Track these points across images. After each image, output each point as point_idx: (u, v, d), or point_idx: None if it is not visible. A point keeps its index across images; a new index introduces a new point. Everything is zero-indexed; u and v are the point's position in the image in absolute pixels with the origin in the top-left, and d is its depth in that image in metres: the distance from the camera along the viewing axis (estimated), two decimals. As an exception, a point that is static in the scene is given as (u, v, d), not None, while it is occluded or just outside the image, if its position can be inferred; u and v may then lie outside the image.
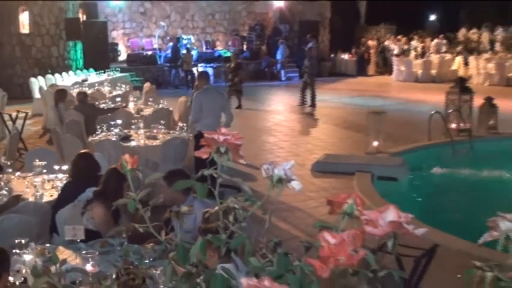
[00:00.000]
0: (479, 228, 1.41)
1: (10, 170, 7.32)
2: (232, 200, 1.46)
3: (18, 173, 7.39)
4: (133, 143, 9.60)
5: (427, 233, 1.24)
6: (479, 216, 1.40)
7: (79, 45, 23.44)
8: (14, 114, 13.10)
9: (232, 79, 18.73)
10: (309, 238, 1.39)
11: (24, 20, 22.07)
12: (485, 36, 31.54)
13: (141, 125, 10.20)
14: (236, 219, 1.46)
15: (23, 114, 13.28)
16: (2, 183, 6.78)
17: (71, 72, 21.18)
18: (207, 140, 1.46)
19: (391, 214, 1.21)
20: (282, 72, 27.79)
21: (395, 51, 30.48)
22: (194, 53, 26.56)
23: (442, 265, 5.50)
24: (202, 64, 26.46)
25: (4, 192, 6.58)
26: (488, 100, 14.48)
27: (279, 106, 20.39)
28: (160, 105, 13.16)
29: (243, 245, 1.42)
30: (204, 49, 28.76)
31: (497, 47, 29.72)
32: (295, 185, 1.45)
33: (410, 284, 5.28)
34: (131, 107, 13.44)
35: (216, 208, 1.48)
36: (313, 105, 19.25)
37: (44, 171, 7.11)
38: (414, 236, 1.25)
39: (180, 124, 10.70)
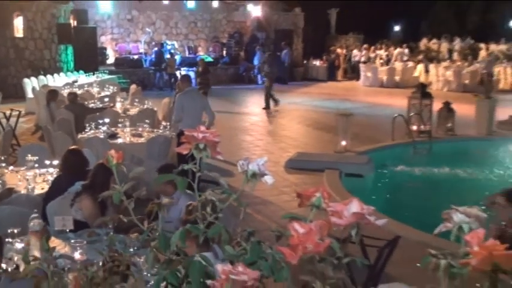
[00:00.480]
0: (436, 220, 1.43)
1: (4, 165, 7.26)
2: (210, 192, 1.46)
3: (11, 167, 7.34)
4: (119, 140, 9.56)
5: (388, 223, 1.26)
6: (437, 209, 1.42)
7: (70, 49, 23.28)
8: (8, 112, 13.00)
9: (200, 82, 18.61)
10: (281, 229, 1.40)
11: (18, 24, 21.87)
12: (444, 46, 31.85)
13: (127, 123, 10.16)
14: (214, 210, 1.46)
15: (17, 113, 13.19)
16: None
17: (62, 74, 21.04)
18: (187, 137, 1.47)
19: (355, 206, 1.22)
20: (259, 76, 27.81)
21: (361, 59, 30.69)
22: (177, 57, 26.54)
23: (403, 254, 5.55)
24: (185, 68, 26.39)
25: None
26: (447, 105, 14.63)
27: (255, 108, 20.37)
28: (145, 106, 13.12)
29: (220, 234, 1.43)
30: (186, 54, 28.68)
31: (455, 56, 30.04)
32: (268, 179, 1.46)
33: (374, 271, 5.33)
34: (118, 107, 13.37)
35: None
36: (276, 103, 19.21)
37: (36, 165, 7.05)
38: (376, 226, 1.26)
39: (163, 123, 10.64)
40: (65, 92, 14.56)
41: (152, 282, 1.54)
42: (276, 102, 19.29)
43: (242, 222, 1.47)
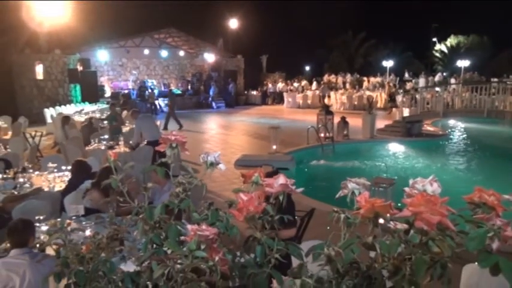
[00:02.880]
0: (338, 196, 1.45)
1: (31, 170, 7.09)
2: (181, 177, 1.45)
3: (36, 172, 7.12)
4: (116, 150, 9.36)
5: (305, 198, 1.27)
6: (338, 188, 1.44)
7: (78, 87, 22.71)
8: (33, 133, 12.59)
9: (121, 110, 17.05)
10: (232, 199, 1.40)
11: (39, 70, 21.32)
12: (340, 79, 32.53)
13: (121, 138, 10.00)
14: (184, 190, 1.45)
15: (40, 133, 12.79)
16: (26, 179, 6.59)
17: (72, 105, 20.64)
18: (163, 139, 1.46)
19: (281, 179, 1.24)
20: (213, 103, 27.88)
21: (277, 90, 30.95)
22: (156, 91, 26.23)
23: (317, 221, 5.62)
24: (161, 98, 26.19)
25: (27, 185, 6.43)
26: (343, 119, 14.96)
27: (212, 125, 20.30)
28: (134, 126, 12.88)
29: (189, 206, 1.42)
30: (162, 88, 28.42)
31: (347, 86, 30.74)
32: (221, 166, 1.46)
33: (297, 235, 5.37)
34: (114, 127, 13.09)
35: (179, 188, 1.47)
36: (180, 126, 17.84)
37: (55, 170, 6.93)
38: (298, 200, 1.28)
39: (147, 138, 10.50)
40: (75, 117, 14.23)
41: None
42: (180, 125, 17.90)
43: (204, 200, 1.46)
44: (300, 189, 1.25)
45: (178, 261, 1.14)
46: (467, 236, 1.00)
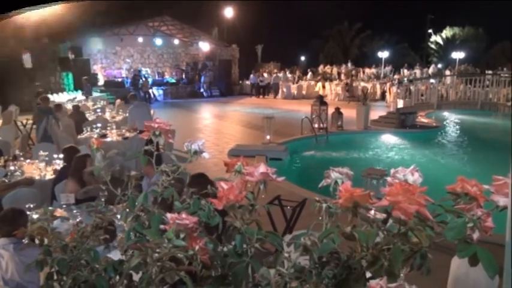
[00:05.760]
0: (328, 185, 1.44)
1: (22, 159, 7.05)
2: (164, 165, 1.44)
3: (28, 160, 7.08)
4: (108, 139, 9.33)
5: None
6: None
7: (70, 75, 22.51)
8: (24, 121, 12.52)
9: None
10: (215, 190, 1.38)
11: (28, 58, 21.00)
12: (335, 70, 32.48)
13: (114, 127, 9.99)
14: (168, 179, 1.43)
15: (31, 121, 12.70)
16: (17, 168, 6.58)
17: (64, 93, 20.44)
18: (147, 127, 1.44)
19: (262, 168, 1.23)
20: (204, 92, 27.76)
21: (253, 81, 30.11)
22: (150, 80, 26.08)
23: (309, 211, 5.64)
24: (155, 87, 26.09)
25: (18, 173, 6.41)
26: (337, 109, 14.96)
27: (206, 114, 20.23)
28: (127, 115, 12.82)
29: (172, 195, 1.41)
30: (156, 77, 28.30)
31: (342, 77, 30.72)
32: (205, 155, 1.45)
33: (289, 224, 5.38)
34: (107, 115, 13.04)
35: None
36: None
37: (46, 159, 6.88)
38: (277, 181, 1.27)
39: (139, 127, 10.48)
40: (68, 106, 14.13)
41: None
42: None
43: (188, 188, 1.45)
44: (281, 178, 1.25)
45: (157, 250, 1.14)
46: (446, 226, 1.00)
